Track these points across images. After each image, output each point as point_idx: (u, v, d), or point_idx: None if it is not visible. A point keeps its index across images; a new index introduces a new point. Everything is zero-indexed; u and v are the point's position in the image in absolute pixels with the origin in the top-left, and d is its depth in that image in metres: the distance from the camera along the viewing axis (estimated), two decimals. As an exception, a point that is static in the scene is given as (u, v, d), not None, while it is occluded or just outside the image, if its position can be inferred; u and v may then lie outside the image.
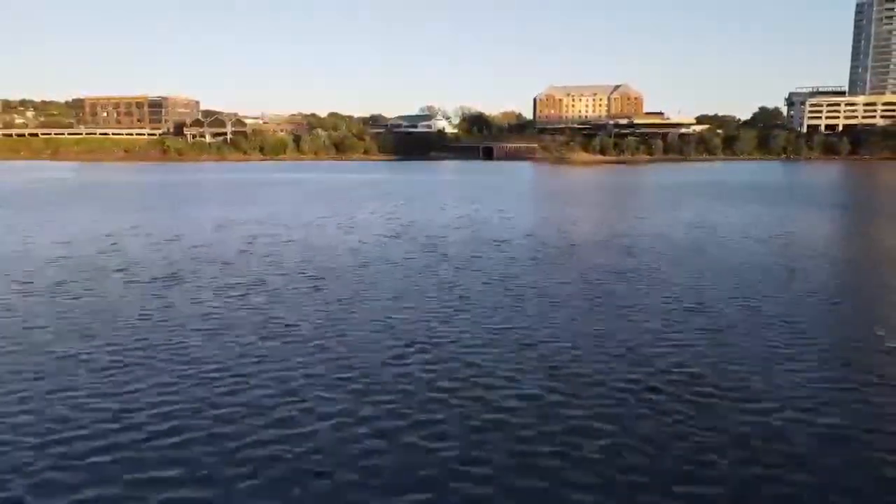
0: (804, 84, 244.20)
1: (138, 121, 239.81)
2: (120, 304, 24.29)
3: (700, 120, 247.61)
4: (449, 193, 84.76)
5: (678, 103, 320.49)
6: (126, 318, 22.27)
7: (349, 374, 17.13)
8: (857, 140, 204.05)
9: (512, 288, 26.66)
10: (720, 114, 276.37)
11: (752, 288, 26.53)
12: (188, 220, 52.03)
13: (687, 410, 15.17)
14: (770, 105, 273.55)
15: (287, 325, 21.47)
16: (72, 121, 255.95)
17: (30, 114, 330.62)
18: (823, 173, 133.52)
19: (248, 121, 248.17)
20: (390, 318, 22.22)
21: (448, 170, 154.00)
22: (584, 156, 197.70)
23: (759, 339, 19.84)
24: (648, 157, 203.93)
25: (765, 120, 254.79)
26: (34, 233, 43.63)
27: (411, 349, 19.03)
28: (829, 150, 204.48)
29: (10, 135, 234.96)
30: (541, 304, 24.01)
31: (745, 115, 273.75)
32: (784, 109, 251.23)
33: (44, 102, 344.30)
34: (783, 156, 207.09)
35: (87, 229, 45.00)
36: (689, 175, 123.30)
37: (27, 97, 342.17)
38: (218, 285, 27.22)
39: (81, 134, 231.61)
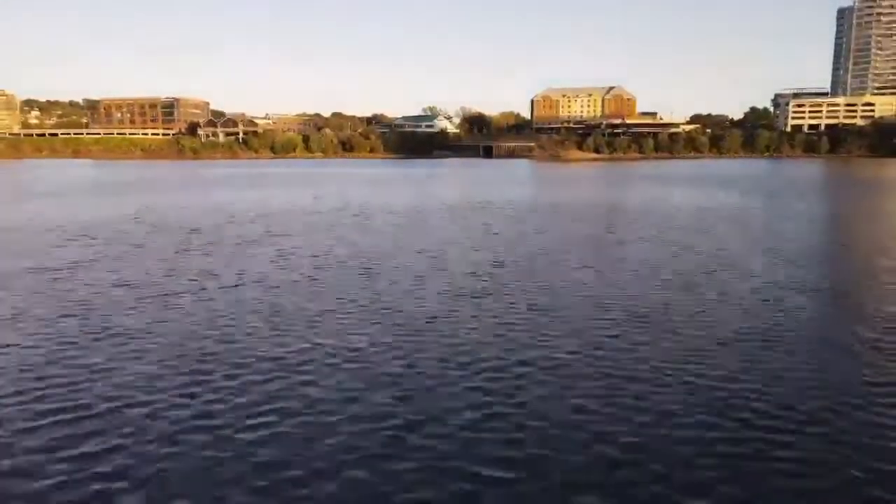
0: (792, 85, 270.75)
1: (151, 121, 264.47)
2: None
3: (693, 120, 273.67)
4: (459, 181, 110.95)
5: (675, 104, 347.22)
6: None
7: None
8: (836, 139, 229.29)
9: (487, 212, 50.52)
10: (713, 113, 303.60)
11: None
12: (317, 194, 78.48)
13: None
14: (760, 105, 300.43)
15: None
16: (85, 120, 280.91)
17: (34, 113, 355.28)
18: (786, 168, 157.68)
19: (256, 121, 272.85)
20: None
21: (452, 166, 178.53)
22: (578, 154, 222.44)
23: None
24: (639, 155, 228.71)
25: (755, 120, 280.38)
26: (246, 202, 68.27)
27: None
28: (810, 148, 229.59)
29: (31, 134, 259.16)
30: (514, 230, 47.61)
31: (738, 115, 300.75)
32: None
33: (49, 102, 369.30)
34: (766, 154, 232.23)
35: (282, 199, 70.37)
36: (662, 169, 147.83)
37: (32, 97, 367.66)
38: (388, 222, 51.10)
39: (100, 134, 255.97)
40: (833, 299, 25.71)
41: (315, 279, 28.99)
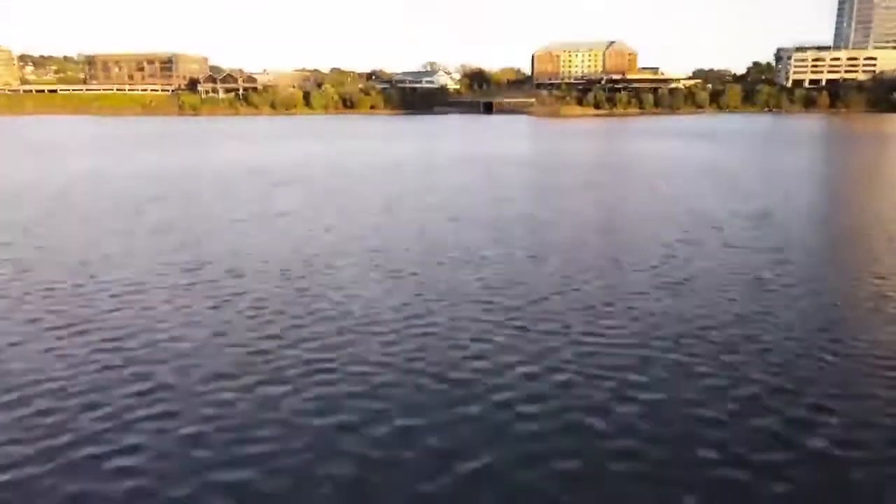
0: (797, 39, 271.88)
1: (150, 77, 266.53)
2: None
3: (696, 75, 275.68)
4: (464, 133, 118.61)
5: (678, 59, 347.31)
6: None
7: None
8: (835, 94, 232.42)
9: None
10: (717, 68, 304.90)
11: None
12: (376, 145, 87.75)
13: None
14: (764, 60, 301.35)
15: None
16: (83, 76, 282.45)
17: (29, 69, 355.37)
18: (777, 124, 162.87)
19: (255, 76, 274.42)
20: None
21: (455, 121, 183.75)
22: (577, 109, 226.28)
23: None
24: (639, 110, 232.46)
25: (757, 74, 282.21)
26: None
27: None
28: (809, 103, 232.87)
29: (31, 90, 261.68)
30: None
31: (742, 70, 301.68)
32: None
33: (42, 57, 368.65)
34: (766, 109, 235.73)
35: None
36: (658, 125, 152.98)
37: (25, 52, 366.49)
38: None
39: (99, 90, 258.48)
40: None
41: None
